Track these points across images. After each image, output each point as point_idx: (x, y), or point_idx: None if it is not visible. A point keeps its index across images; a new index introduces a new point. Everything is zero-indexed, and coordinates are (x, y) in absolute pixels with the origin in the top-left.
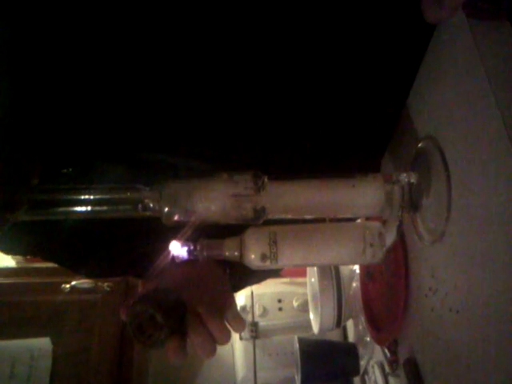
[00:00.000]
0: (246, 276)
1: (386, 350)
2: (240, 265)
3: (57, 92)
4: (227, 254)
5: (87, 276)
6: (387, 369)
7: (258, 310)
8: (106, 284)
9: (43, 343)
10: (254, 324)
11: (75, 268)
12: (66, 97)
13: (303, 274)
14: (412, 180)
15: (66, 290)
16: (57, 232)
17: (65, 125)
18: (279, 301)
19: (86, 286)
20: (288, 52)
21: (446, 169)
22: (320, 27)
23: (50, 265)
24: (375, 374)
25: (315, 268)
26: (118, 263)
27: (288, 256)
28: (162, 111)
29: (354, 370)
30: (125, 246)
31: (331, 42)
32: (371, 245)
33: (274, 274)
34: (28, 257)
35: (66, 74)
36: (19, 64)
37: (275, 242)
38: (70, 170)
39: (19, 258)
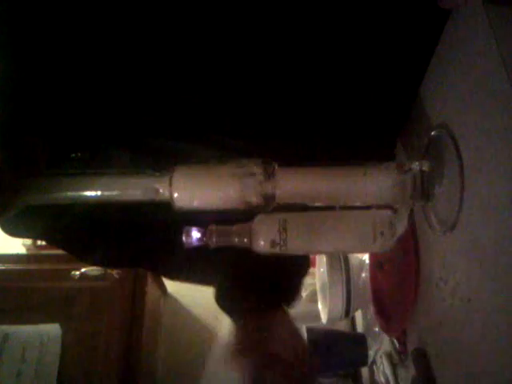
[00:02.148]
0: None
1: (395, 341)
2: None
3: (65, 76)
4: (236, 240)
5: (93, 264)
6: (396, 359)
7: None
8: (115, 271)
9: (53, 329)
10: None
11: (81, 255)
12: (74, 81)
13: (312, 264)
14: (424, 168)
15: (76, 277)
16: (65, 217)
17: (73, 109)
18: None
19: (95, 273)
20: (302, 39)
21: (460, 158)
22: (333, 14)
23: (60, 251)
24: (383, 365)
25: (324, 258)
26: (125, 254)
27: (297, 243)
28: (171, 97)
29: (363, 360)
30: (133, 236)
31: (344, 29)
32: (381, 233)
33: None
34: (37, 241)
35: (73, 60)
36: (27, 50)
37: (285, 229)
38: (79, 154)
39: (30, 244)
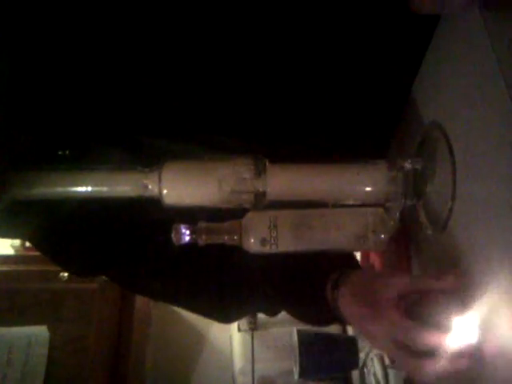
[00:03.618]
0: None
1: None
2: None
3: (56, 73)
4: (226, 237)
5: (72, 273)
6: (387, 361)
7: None
8: None
9: (40, 331)
10: (253, 316)
11: (61, 262)
12: (66, 78)
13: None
14: (416, 166)
15: (64, 279)
16: (49, 219)
17: (63, 106)
18: None
19: None
20: (295, 39)
21: (452, 155)
22: (327, 15)
23: None
24: (374, 367)
25: None
26: (105, 264)
27: (288, 241)
28: (162, 95)
29: (353, 363)
30: (114, 247)
31: (338, 29)
32: (373, 231)
33: None
34: (25, 242)
35: (65, 58)
36: (19, 46)
37: (276, 227)
38: (67, 152)
39: (18, 246)
